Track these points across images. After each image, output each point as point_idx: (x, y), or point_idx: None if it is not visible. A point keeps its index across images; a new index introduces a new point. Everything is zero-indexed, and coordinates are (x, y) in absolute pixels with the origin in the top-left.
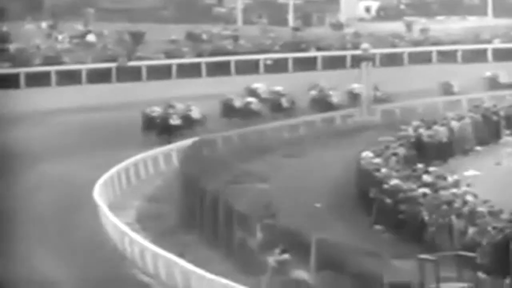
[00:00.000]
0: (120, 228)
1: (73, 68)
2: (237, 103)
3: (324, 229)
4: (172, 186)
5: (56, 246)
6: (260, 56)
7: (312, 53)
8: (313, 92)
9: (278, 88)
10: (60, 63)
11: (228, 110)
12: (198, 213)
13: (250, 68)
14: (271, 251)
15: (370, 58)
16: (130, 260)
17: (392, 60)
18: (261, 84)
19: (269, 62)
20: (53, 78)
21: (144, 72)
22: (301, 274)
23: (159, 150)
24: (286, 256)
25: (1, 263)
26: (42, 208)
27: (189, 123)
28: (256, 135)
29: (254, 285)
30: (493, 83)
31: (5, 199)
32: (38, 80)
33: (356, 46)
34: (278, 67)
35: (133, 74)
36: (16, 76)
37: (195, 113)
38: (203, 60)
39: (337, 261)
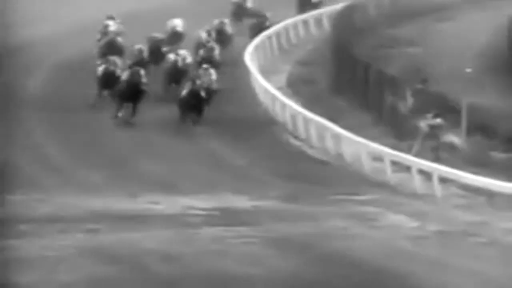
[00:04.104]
0: (271, 92)
1: None
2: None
3: (475, 94)
4: (324, 50)
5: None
6: None
7: None
8: None
9: None
10: None
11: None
12: (349, 78)
13: None
14: (422, 115)
15: None
16: (281, 124)
17: None
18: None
19: None
20: None
21: None
22: (452, 138)
23: (309, 15)
24: (438, 120)
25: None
26: None
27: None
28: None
29: (405, 148)
30: None
31: None
32: None
33: None
34: None
35: None
36: None
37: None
38: None
39: (488, 126)
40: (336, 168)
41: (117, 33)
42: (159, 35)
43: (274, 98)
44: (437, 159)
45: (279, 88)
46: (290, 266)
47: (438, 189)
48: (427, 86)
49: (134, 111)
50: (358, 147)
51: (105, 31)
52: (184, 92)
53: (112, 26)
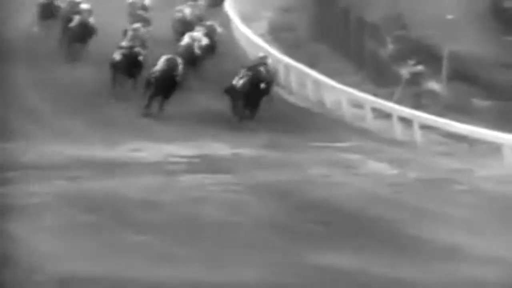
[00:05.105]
0: (252, 40)
1: None
2: None
3: (456, 41)
4: None
5: None
6: None
7: None
8: None
9: None
10: None
11: None
12: (330, 24)
13: None
14: (403, 62)
15: None
16: None
17: None
18: None
19: None
20: None
21: None
22: (433, 85)
23: None
24: (420, 67)
25: None
26: None
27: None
28: None
29: (386, 95)
30: None
31: None
32: None
33: None
34: None
35: None
36: None
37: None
38: None
39: (469, 72)
40: (317, 115)
41: (90, 13)
42: (145, 13)
43: (255, 45)
44: (418, 106)
45: (260, 35)
46: (270, 213)
47: (418, 136)
48: (406, 33)
49: (162, 104)
50: (339, 93)
51: (75, 10)
52: (241, 83)
53: (83, 4)
